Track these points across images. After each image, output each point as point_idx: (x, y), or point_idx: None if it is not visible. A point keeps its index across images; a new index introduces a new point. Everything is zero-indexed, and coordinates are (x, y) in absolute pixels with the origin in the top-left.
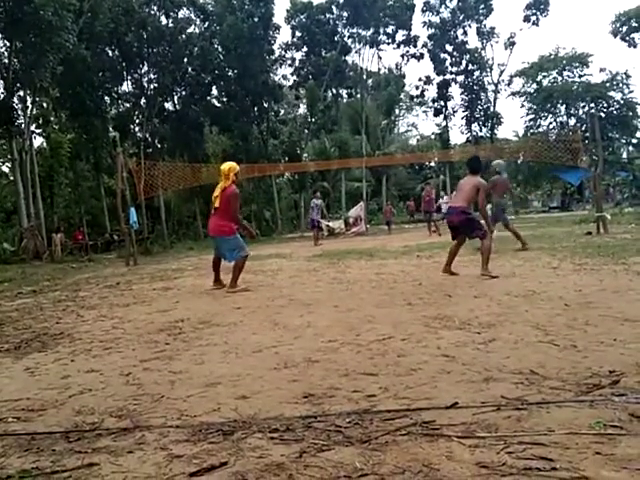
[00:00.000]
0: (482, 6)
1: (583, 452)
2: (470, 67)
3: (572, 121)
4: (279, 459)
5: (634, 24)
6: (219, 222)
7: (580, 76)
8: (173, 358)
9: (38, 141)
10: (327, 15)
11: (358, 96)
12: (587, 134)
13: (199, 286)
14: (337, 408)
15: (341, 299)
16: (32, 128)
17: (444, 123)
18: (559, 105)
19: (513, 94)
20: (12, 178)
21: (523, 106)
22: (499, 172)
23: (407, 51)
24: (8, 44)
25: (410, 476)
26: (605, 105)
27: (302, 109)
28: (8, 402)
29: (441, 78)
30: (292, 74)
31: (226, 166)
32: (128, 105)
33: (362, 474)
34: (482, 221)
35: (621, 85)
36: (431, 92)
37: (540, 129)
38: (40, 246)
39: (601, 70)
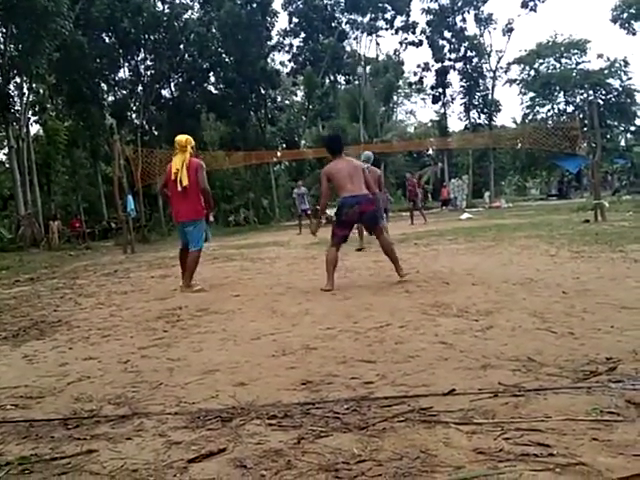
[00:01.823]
0: None
1: (580, 438)
2: (469, 54)
3: (570, 108)
4: (277, 445)
5: (633, 11)
6: (193, 204)
7: (578, 63)
8: (171, 345)
9: (35, 128)
10: (324, 1)
11: (356, 83)
12: (585, 121)
13: (197, 274)
14: (335, 395)
15: (339, 287)
16: (28, 115)
17: (442, 110)
18: (557, 92)
19: (510, 81)
20: (8, 166)
21: (521, 93)
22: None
23: (405, 38)
24: (4, 30)
25: (408, 462)
26: (603, 92)
27: (300, 96)
28: (6, 389)
29: (439, 65)
30: (289, 61)
31: (183, 137)
32: (125, 92)
33: (360, 460)
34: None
35: (620, 72)
36: (429, 79)
37: (538, 116)
38: (37, 234)
39: (599, 56)
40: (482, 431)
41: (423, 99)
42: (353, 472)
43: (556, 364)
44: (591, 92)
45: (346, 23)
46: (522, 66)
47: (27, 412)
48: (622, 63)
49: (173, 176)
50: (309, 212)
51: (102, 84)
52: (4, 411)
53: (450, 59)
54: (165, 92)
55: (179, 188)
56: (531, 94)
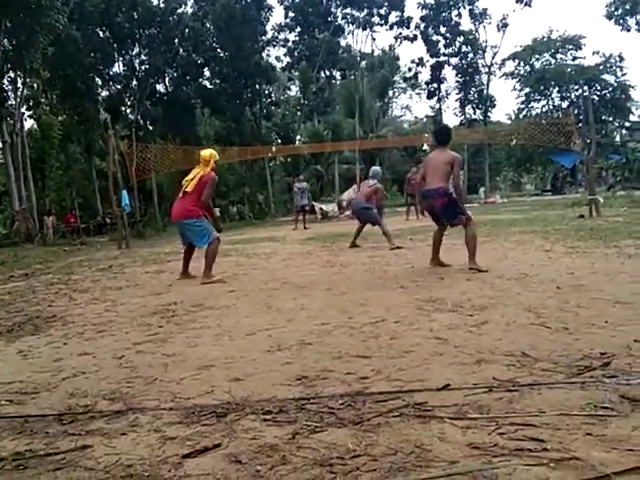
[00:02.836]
0: None
1: (574, 433)
2: (464, 49)
3: (565, 104)
4: (272, 440)
5: (628, 7)
6: (185, 205)
7: (573, 59)
8: (166, 341)
9: (29, 123)
10: None
11: (352, 78)
12: (580, 117)
13: (192, 269)
14: (330, 390)
15: (334, 282)
16: (23, 110)
17: (437, 105)
18: (551, 88)
19: (506, 75)
20: (2, 161)
21: (515, 89)
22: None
23: (400, 33)
24: None
25: (402, 457)
26: (599, 88)
27: (294, 91)
28: (1, 385)
29: (434, 60)
30: (285, 55)
31: (207, 152)
32: (119, 87)
33: (355, 455)
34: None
35: (615, 68)
36: (424, 74)
37: (533, 112)
38: (32, 229)
39: (594, 53)
40: (476, 426)
41: (418, 94)
42: (348, 467)
43: (550, 359)
44: (586, 88)
45: (342, 18)
46: (517, 62)
47: (22, 408)
48: (617, 59)
49: (184, 183)
50: (307, 208)
51: (96, 79)
52: None
53: (445, 54)
54: (160, 87)
55: (180, 194)
56: (526, 90)
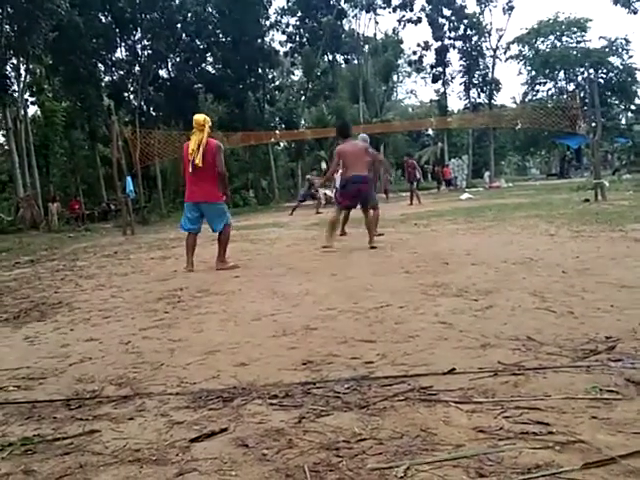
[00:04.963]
0: None
1: (579, 416)
2: (469, 32)
3: (571, 87)
4: (278, 425)
5: None
6: (207, 185)
7: (578, 42)
8: (172, 326)
9: (32, 110)
10: None
11: (355, 62)
12: (586, 100)
13: (197, 255)
14: (336, 374)
15: (339, 267)
16: (26, 96)
17: (442, 89)
18: (557, 71)
19: (511, 57)
20: (7, 147)
21: (520, 74)
22: None
23: (403, 15)
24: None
25: (408, 440)
26: (604, 71)
27: (298, 76)
28: (8, 371)
29: (439, 44)
30: (287, 41)
31: (201, 117)
32: (122, 72)
33: (360, 439)
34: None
35: (620, 50)
36: (429, 58)
37: (539, 95)
38: (37, 216)
39: (600, 38)
40: (482, 410)
41: (423, 78)
42: (354, 450)
43: (556, 343)
44: (592, 70)
45: (345, 1)
46: (522, 45)
47: (29, 393)
48: (623, 41)
49: (190, 157)
50: (301, 200)
51: (99, 64)
52: (6, 392)
53: (450, 37)
54: (162, 72)
55: (190, 169)
56: (532, 73)
